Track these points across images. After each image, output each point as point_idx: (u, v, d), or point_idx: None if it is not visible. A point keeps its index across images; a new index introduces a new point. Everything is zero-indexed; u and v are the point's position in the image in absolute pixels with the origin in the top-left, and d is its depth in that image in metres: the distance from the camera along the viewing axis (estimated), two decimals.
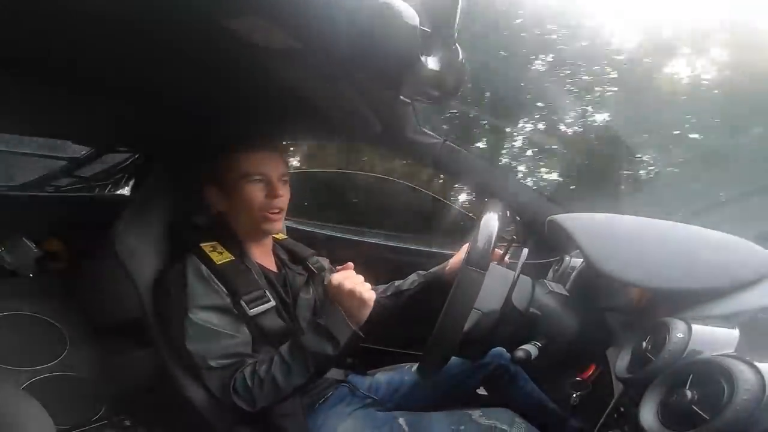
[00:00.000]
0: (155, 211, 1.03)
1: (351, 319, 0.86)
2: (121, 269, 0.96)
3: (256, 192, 0.98)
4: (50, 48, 0.66)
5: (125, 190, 1.71)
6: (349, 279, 0.87)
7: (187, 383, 0.93)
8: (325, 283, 0.92)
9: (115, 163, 1.63)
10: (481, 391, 1.19)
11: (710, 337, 0.63)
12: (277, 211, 1.00)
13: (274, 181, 0.99)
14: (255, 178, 0.98)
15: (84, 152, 1.57)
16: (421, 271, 1.17)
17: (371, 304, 0.87)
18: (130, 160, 1.59)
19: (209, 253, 0.96)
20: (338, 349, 0.85)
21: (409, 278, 1.17)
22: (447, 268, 1.12)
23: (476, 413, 0.95)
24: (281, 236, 1.20)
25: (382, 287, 1.19)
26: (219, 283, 0.92)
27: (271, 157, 1.00)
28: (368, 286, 0.88)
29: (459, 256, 1.10)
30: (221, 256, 0.96)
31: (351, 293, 0.85)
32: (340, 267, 0.92)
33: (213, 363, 0.89)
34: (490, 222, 0.82)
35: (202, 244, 0.97)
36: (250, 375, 0.88)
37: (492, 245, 0.78)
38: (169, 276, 0.95)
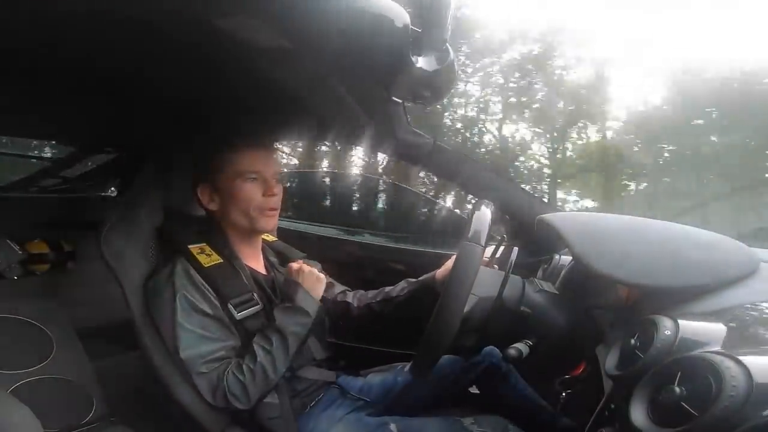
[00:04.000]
0: (142, 213, 1.01)
1: (313, 293, 0.97)
2: (108, 271, 0.95)
3: (253, 190, 0.97)
4: (35, 46, 0.65)
5: (112, 191, 1.69)
6: (305, 265, 1.01)
7: (178, 386, 0.92)
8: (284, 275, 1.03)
9: (101, 163, 1.60)
10: (474, 390, 1.19)
11: (697, 333, 0.63)
12: (272, 209, 0.99)
13: (269, 178, 0.98)
14: (250, 176, 0.97)
15: (69, 152, 1.55)
16: (411, 279, 1.14)
17: (324, 280, 1.02)
18: (117, 160, 1.56)
19: (197, 256, 0.94)
20: (310, 320, 0.95)
21: (399, 285, 1.15)
22: (436, 276, 1.09)
23: (468, 420, 0.95)
24: (271, 238, 1.19)
25: (372, 293, 1.17)
26: (207, 287, 0.91)
27: (265, 154, 0.99)
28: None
29: (447, 265, 1.07)
30: (209, 259, 0.95)
31: (310, 272, 0.99)
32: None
33: (203, 368, 0.88)
34: (484, 207, 0.83)
35: (190, 246, 0.96)
36: (239, 370, 0.88)
37: (489, 224, 0.79)
38: (157, 279, 0.93)
